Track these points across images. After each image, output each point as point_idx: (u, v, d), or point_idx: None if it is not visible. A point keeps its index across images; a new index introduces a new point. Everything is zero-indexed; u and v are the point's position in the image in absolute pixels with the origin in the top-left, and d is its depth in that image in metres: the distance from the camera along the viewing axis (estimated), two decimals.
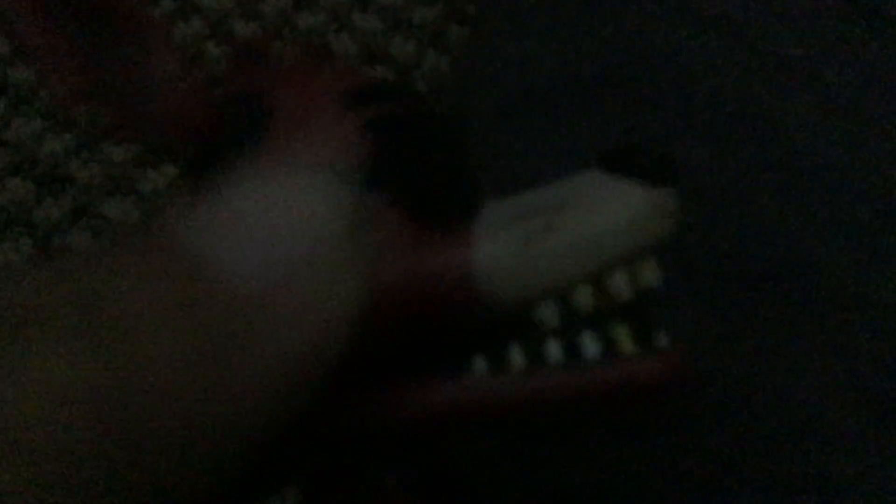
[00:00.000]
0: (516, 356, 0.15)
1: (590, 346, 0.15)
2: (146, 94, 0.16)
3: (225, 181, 0.15)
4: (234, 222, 0.14)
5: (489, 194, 0.16)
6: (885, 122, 0.27)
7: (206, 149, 0.16)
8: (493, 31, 0.33)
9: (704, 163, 0.26)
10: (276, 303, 0.14)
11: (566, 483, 0.23)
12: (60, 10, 0.14)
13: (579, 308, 0.15)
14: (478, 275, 0.15)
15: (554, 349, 0.15)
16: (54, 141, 0.63)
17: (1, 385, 0.11)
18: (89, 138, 0.62)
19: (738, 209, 0.26)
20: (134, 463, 0.11)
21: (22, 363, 0.11)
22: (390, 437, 0.15)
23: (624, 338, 0.15)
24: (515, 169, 0.29)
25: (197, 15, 0.66)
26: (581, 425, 0.21)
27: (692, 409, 0.23)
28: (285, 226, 0.14)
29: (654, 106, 0.28)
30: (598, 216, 0.15)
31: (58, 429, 0.11)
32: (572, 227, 0.15)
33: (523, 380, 0.15)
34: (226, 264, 0.14)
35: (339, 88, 0.17)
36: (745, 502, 0.22)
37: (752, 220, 0.25)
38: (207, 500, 0.13)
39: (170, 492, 0.12)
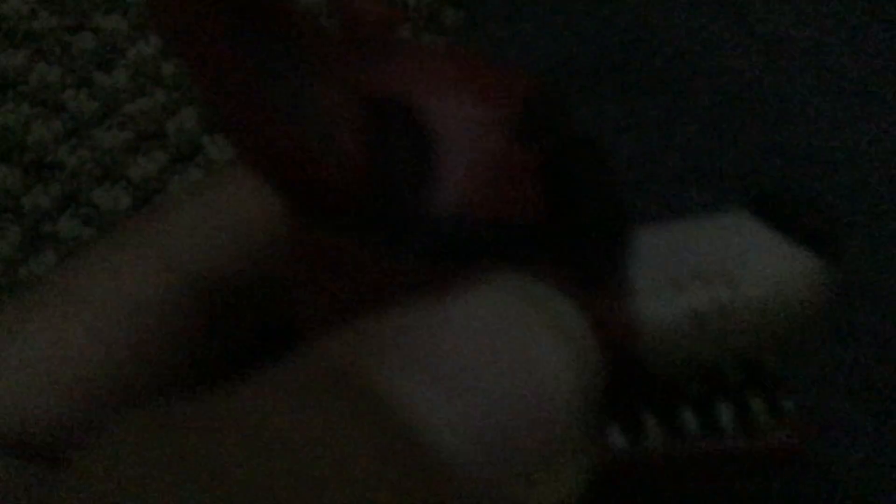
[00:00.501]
0: (653, 425, 0.14)
1: (726, 417, 0.14)
2: (309, 131, 0.11)
3: (413, 287, 0.11)
4: (446, 365, 0.10)
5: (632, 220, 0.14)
6: (890, 104, 0.26)
7: (355, 199, 0.12)
8: (488, 14, 0.33)
9: (703, 149, 0.26)
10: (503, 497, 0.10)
11: None
12: (232, 14, 0.10)
13: (723, 382, 0.14)
14: (643, 335, 0.13)
15: (690, 419, 0.14)
16: (42, 127, 0.63)
17: None
18: (78, 124, 0.61)
19: (739, 194, 0.25)
20: None
21: None
22: None
23: (760, 409, 0.14)
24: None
25: None
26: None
27: None
28: (517, 381, 0.10)
29: (651, 89, 0.27)
30: (774, 296, 0.13)
31: None
32: (746, 311, 0.13)
33: (662, 451, 0.14)
34: (444, 432, 0.09)
35: (511, 106, 0.13)
36: (745, 492, 0.22)
37: None
38: None
39: None
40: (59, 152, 0.63)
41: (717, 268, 0.13)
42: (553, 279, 0.12)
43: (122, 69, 0.75)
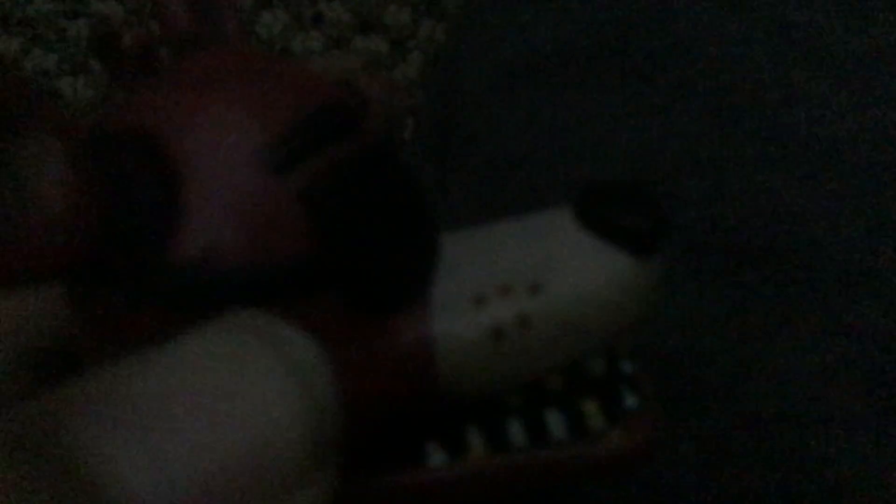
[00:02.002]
0: (475, 440, 0.13)
1: (555, 424, 0.13)
2: (12, 206, 0.09)
3: (130, 333, 0.10)
4: (146, 415, 0.09)
5: (447, 223, 0.13)
6: (892, 92, 0.26)
7: (79, 264, 0.10)
8: (486, 0, 0.32)
9: (703, 135, 0.25)
10: None
11: None
12: None
13: (546, 389, 0.13)
14: (437, 356, 0.12)
15: (516, 430, 0.13)
16: None
17: None
18: (74, 112, 0.61)
19: (739, 183, 0.25)
20: None
21: None
22: None
23: (593, 413, 0.13)
24: (507, 145, 0.28)
25: None
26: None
27: (689, 393, 0.22)
28: (229, 427, 0.09)
29: (650, 77, 0.27)
30: (580, 302, 0.13)
31: None
32: (549, 319, 0.13)
33: (485, 467, 0.13)
34: (128, 485, 0.09)
35: (270, 132, 0.11)
36: (744, 487, 0.22)
37: (754, 195, 0.25)
38: None
39: None
40: None
41: (520, 277, 0.13)
42: (315, 314, 0.11)
43: None
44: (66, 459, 0.09)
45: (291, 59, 0.13)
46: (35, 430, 0.09)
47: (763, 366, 0.23)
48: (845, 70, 0.26)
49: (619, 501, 0.22)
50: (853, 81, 0.26)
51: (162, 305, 0.11)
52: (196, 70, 0.12)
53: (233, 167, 0.11)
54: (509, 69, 0.29)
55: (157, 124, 0.11)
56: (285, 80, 0.12)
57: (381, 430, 0.13)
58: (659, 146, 0.26)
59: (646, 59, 0.27)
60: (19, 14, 0.58)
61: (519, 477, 0.13)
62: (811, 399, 0.22)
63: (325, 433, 0.10)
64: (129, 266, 0.11)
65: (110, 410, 0.09)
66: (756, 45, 0.27)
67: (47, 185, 0.09)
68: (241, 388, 0.10)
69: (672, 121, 0.26)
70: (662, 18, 0.27)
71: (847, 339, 0.23)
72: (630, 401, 0.14)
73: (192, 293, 0.11)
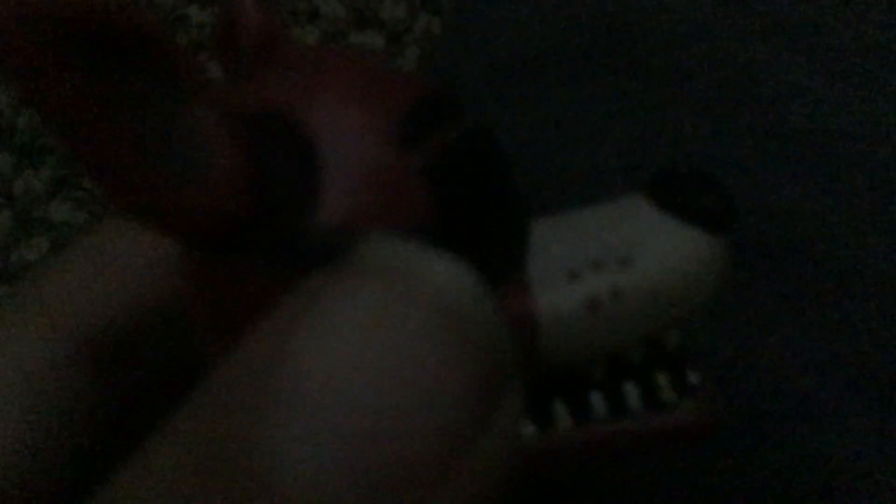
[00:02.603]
0: (561, 412, 0.14)
1: (633, 396, 0.14)
2: (181, 164, 0.10)
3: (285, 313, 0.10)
4: (310, 397, 0.09)
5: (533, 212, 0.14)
6: (890, 87, 0.26)
7: (236, 227, 0.11)
8: None
9: (697, 131, 0.25)
10: None
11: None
12: (76, 48, 0.09)
13: (628, 362, 0.14)
14: (541, 326, 0.13)
15: (598, 401, 0.14)
16: (33, 112, 0.62)
17: None
18: None
19: (733, 180, 0.25)
20: None
21: None
22: None
23: (665, 386, 0.15)
24: (504, 142, 0.28)
25: None
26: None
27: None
28: (388, 390, 0.09)
29: (645, 72, 0.27)
30: (667, 275, 0.14)
31: None
32: (641, 291, 0.14)
33: (571, 436, 0.14)
34: (307, 479, 0.09)
35: (394, 112, 0.13)
36: (737, 487, 0.21)
37: (747, 192, 0.24)
38: None
39: None
40: (49, 136, 0.63)
41: (610, 253, 0.14)
42: None
43: None
44: (245, 455, 0.09)
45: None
46: (208, 435, 0.09)
47: (755, 363, 0.23)
48: (841, 64, 0.26)
49: (611, 498, 0.22)
50: (849, 76, 0.26)
51: (301, 269, 0.11)
52: (310, 60, 0.13)
53: (364, 142, 0.12)
54: (503, 65, 0.29)
55: (290, 105, 0.12)
56: (389, 72, 0.13)
57: None
58: (652, 142, 0.26)
59: (640, 54, 0.27)
60: None
61: (602, 446, 0.14)
62: (804, 396, 0.22)
63: (495, 363, 0.10)
64: (275, 231, 0.11)
65: (280, 388, 0.09)
66: (751, 40, 0.27)
67: (213, 148, 0.10)
68: (396, 344, 0.10)
69: (665, 116, 0.26)
70: (656, 13, 0.27)
71: (840, 336, 0.23)
72: (693, 377, 0.15)
73: (333, 257, 0.11)
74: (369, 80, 0.13)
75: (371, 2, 0.70)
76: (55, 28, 0.09)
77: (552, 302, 0.13)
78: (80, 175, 0.60)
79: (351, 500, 0.09)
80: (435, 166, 0.12)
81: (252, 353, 0.10)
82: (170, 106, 0.10)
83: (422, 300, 0.10)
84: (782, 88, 0.26)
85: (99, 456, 0.15)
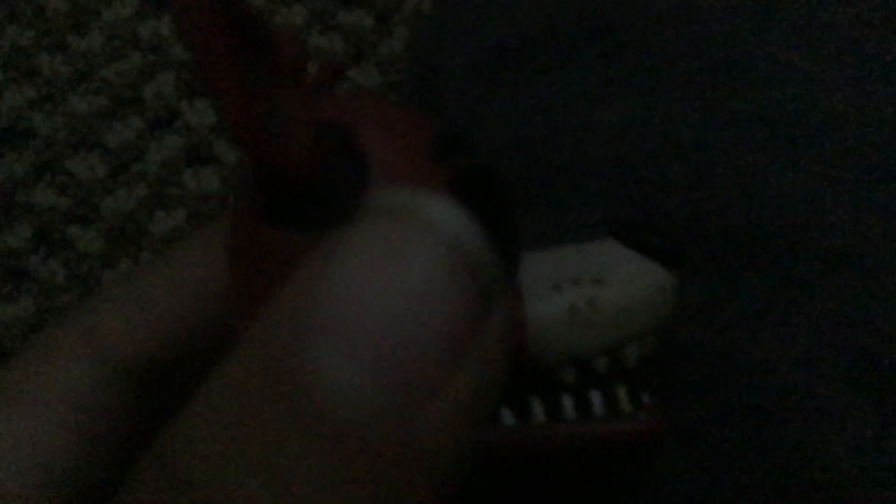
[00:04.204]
0: (537, 409, 0.17)
1: (597, 403, 0.17)
2: (275, 128, 0.14)
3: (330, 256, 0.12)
4: (337, 321, 0.11)
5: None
6: (884, 67, 0.25)
7: (302, 189, 0.14)
8: None
9: (687, 117, 0.25)
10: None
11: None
12: (234, 39, 0.13)
13: (594, 370, 0.17)
14: (530, 327, 0.17)
15: (569, 404, 0.17)
16: (15, 93, 0.61)
17: None
18: (52, 90, 0.60)
19: (724, 165, 0.24)
20: None
21: None
22: None
23: (623, 397, 0.18)
24: (490, 130, 0.27)
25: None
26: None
27: (667, 385, 0.22)
28: (402, 313, 0.11)
29: (634, 56, 0.26)
30: (631, 295, 0.17)
31: None
32: (610, 304, 0.17)
33: (544, 430, 0.17)
34: (343, 390, 0.11)
35: (425, 136, 0.16)
36: (728, 484, 0.21)
37: (739, 177, 0.24)
38: None
39: None
40: (32, 119, 0.62)
41: (587, 274, 0.17)
42: None
43: (97, 32, 0.73)
44: (289, 381, 0.11)
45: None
46: (261, 361, 0.11)
47: (745, 356, 0.22)
48: (835, 45, 0.26)
49: (602, 497, 0.22)
50: (843, 57, 0.25)
51: None
52: (358, 96, 0.17)
53: (403, 154, 0.15)
54: (489, 51, 0.29)
55: (346, 123, 0.15)
56: (417, 112, 0.17)
57: None
58: (641, 128, 0.25)
59: (628, 38, 0.26)
60: None
61: (570, 443, 0.17)
62: (797, 389, 0.22)
63: (487, 278, 0.12)
64: (327, 209, 0.14)
65: (312, 320, 0.11)
66: (741, 21, 0.26)
67: (298, 121, 0.13)
68: (407, 272, 0.12)
69: (654, 102, 0.25)
70: None
71: (834, 326, 0.22)
72: (646, 397, 0.18)
73: None
74: (405, 113, 0.16)
75: None
76: (217, 15, 0.12)
77: (539, 307, 0.17)
78: (64, 159, 0.59)
79: (378, 399, 0.11)
80: (458, 178, 0.15)
81: (289, 295, 0.12)
82: (275, 93, 0.13)
83: (424, 232, 0.12)
84: (775, 70, 0.25)
85: None
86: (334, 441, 0.11)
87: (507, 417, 0.17)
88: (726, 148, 0.24)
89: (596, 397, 0.17)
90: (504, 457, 0.17)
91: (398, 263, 0.12)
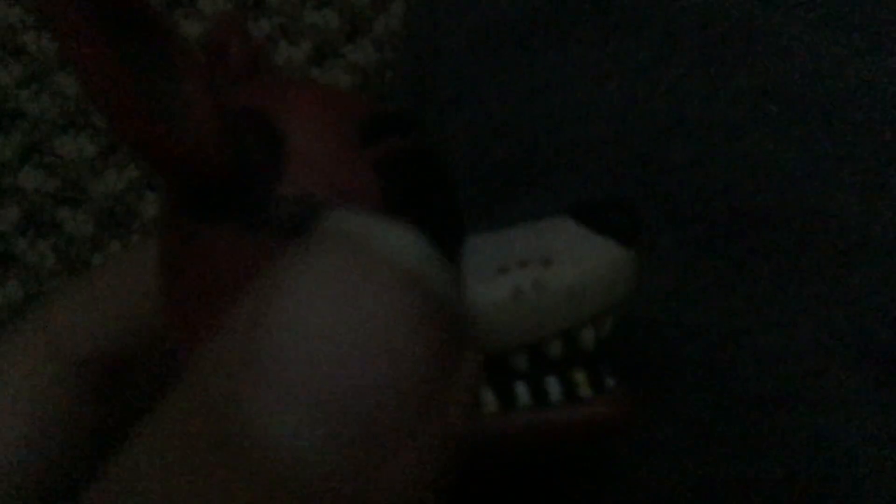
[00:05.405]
0: (489, 398, 0.16)
1: (554, 389, 0.16)
2: (170, 118, 0.13)
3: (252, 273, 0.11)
4: (283, 364, 0.10)
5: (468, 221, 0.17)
6: (893, 39, 0.24)
7: (213, 179, 0.14)
8: None
9: (691, 94, 0.24)
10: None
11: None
12: (103, 18, 0.12)
13: (549, 356, 0.16)
14: (473, 314, 0.16)
15: (523, 392, 0.16)
16: (2, 72, 0.60)
17: None
18: (39, 68, 0.59)
19: (729, 144, 0.23)
20: None
21: None
22: None
23: (582, 382, 0.16)
24: (489, 109, 0.26)
25: None
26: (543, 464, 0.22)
27: (670, 370, 0.21)
28: (356, 355, 0.10)
29: (635, 31, 0.25)
30: (582, 275, 0.16)
31: None
32: (559, 285, 0.16)
33: (498, 419, 0.16)
34: (286, 439, 0.10)
35: (351, 119, 0.15)
36: (733, 472, 0.21)
37: (745, 156, 0.23)
38: None
39: None
40: (20, 99, 0.61)
41: (534, 255, 0.16)
42: None
43: None
44: (230, 426, 0.10)
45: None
46: (201, 404, 0.10)
47: (751, 341, 0.21)
48: (844, 18, 0.25)
49: (595, 492, 0.21)
50: (852, 31, 0.25)
51: (266, 236, 0.14)
52: (285, 80, 0.17)
53: (325, 137, 0.15)
54: (490, 27, 0.28)
55: (265, 107, 0.15)
56: (351, 95, 0.16)
57: None
58: (644, 106, 0.24)
59: (630, 13, 0.26)
60: None
61: (525, 433, 0.16)
62: (804, 375, 0.21)
63: (453, 320, 0.11)
64: (244, 196, 0.14)
65: (253, 363, 0.10)
66: None
67: (196, 110, 0.13)
68: (362, 311, 0.10)
69: (658, 78, 0.25)
70: None
71: (842, 311, 0.22)
72: (609, 381, 0.17)
73: (293, 224, 0.14)
74: (334, 96, 0.16)
75: None
76: (90, 3, 0.12)
77: (482, 292, 0.16)
78: (52, 140, 0.58)
79: (327, 452, 0.10)
80: (383, 162, 0.15)
81: (230, 330, 0.11)
82: (166, 74, 0.13)
83: (382, 267, 0.11)
84: (782, 45, 0.24)
85: (97, 462, 0.16)
86: (276, 494, 0.10)
87: None
88: (732, 125, 0.24)
89: (553, 384, 0.16)
90: (459, 449, 0.16)
91: (352, 303, 0.10)
